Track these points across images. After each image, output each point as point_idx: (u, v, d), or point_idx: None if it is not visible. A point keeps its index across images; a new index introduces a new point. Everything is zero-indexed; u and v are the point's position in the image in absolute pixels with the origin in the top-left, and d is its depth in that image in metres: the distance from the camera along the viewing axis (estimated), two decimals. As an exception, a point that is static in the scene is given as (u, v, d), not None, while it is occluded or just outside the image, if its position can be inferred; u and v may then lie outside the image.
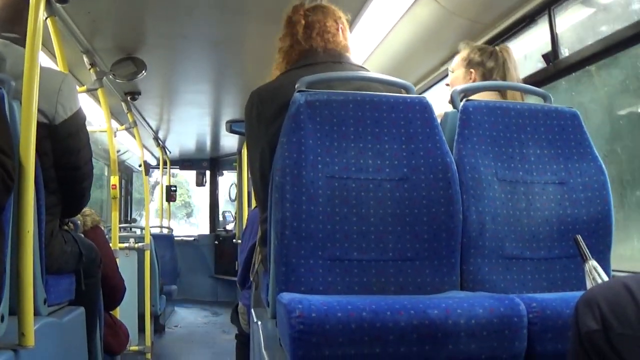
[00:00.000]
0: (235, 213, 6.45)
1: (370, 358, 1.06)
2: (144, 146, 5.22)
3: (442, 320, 1.07)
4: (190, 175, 8.32)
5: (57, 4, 2.22)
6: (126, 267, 3.45)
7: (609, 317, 0.82)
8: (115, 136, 3.44)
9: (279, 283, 1.28)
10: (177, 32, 2.84)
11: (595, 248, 1.39)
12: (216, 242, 7.09)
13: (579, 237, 1.15)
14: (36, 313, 1.35)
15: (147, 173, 6.54)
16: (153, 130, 5.48)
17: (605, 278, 1.10)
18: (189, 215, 19.40)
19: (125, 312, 3.11)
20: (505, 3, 2.17)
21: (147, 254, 4.00)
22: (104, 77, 3.07)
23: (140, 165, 6.10)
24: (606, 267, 1.41)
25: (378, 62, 2.85)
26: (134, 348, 3.73)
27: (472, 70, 1.92)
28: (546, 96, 1.58)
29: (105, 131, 3.27)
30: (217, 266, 7.02)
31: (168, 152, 6.77)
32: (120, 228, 3.63)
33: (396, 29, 2.53)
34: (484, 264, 1.38)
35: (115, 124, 3.90)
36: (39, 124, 1.39)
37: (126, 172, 7.07)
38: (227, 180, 7.71)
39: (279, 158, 1.32)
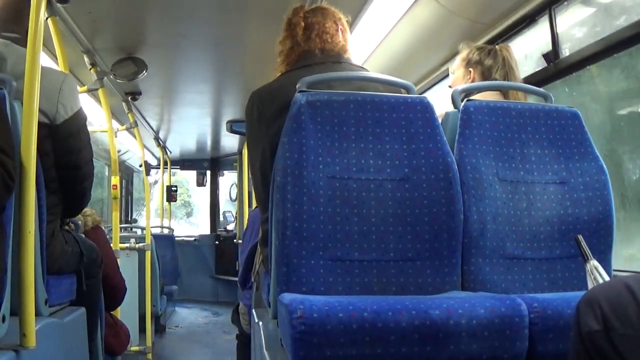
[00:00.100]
0: (236, 213, 6.45)
1: (372, 358, 1.06)
2: (144, 146, 5.22)
3: (444, 321, 1.07)
4: (191, 174, 8.31)
5: (58, 4, 2.22)
6: (127, 268, 3.45)
7: (610, 317, 0.82)
8: (115, 136, 3.44)
9: (280, 283, 1.28)
10: (178, 32, 2.84)
11: (596, 248, 1.39)
12: (217, 242, 7.09)
13: (580, 237, 1.15)
14: (37, 313, 1.35)
15: (148, 173, 6.55)
16: (154, 130, 5.48)
17: (607, 278, 1.10)
18: (188, 214, 19.39)
19: (126, 313, 3.11)
20: (506, 3, 2.17)
21: (148, 254, 4.01)
22: (105, 77, 3.07)
23: (140, 165, 6.10)
24: (607, 267, 1.41)
25: (378, 62, 2.85)
26: (134, 348, 3.73)
27: (470, 69, 1.92)
28: (547, 96, 1.58)
29: (106, 131, 3.27)
30: (217, 266, 7.02)
31: (169, 152, 6.77)
32: (121, 228, 3.64)
33: (396, 29, 2.53)
34: (485, 264, 1.38)
35: (115, 124, 3.90)
36: (39, 124, 1.39)
37: (127, 172, 7.07)
38: (228, 180, 7.72)
39: (280, 158, 1.32)
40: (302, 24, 1.66)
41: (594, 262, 1.11)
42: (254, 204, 3.53)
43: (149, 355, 3.95)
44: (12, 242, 1.27)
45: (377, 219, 1.34)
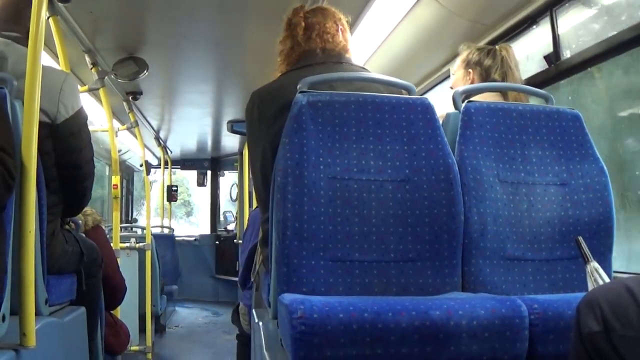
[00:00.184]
0: (236, 213, 6.45)
1: (372, 359, 1.05)
2: (145, 146, 5.22)
3: (444, 322, 1.07)
4: (191, 174, 8.31)
5: (59, 4, 2.22)
6: (127, 267, 3.45)
7: (611, 319, 0.82)
8: (116, 136, 3.45)
9: (281, 284, 1.28)
10: (179, 32, 2.84)
11: (596, 249, 1.39)
12: (217, 242, 7.09)
13: (581, 239, 1.15)
14: (37, 313, 1.35)
15: (149, 173, 6.55)
16: (154, 130, 5.49)
17: (607, 279, 1.10)
18: (188, 214, 19.40)
19: (126, 312, 3.11)
20: (507, 4, 2.17)
21: (148, 253, 4.01)
22: (106, 77, 3.07)
23: (141, 165, 6.10)
24: (607, 269, 1.41)
25: (379, 63, 2.85)
26: (134, 348, 3.73)
27: (470, 70, 1.92)
28: (548, 97, 1.58)
29: (107, 131, 3.28)
30: (218, 266, 7.02)
31: (169, 152, 6.77)
32: (121, 228, 3.64)
33: (397, 30, 2.53)
34: (486, 265, 1.38)
35: (116, 124, 3.90)
36: (40, 123, 1.38)
37: (127, 172, 7.07)
38: (228, 180, 7.72)
39: (281, 158, 1.32)
40: (303, 24, 1.66)
41: (594, 264, 1.11)
42: (255, 204, 3.53)
43: (149, 355, 3.95)
44: (13, 242, 1.27)
45: (377, 220, 1.34)
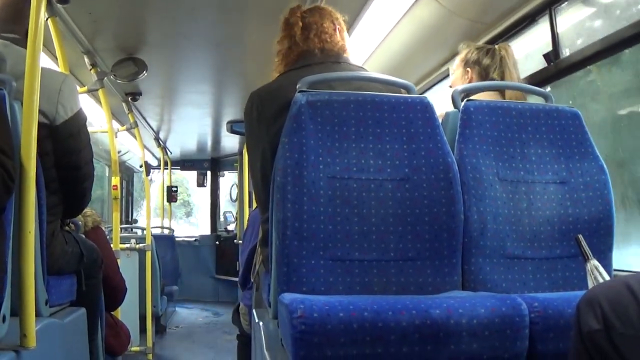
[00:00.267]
0: (236, 213, 6.45)
1: (372, 358, 1.06)
2: (144, 146, 5.22)
3: (444, 320, 1.07)
4: (191, 175, 8.31)
5: (58, 5, 2.22)
6: (127, 268, 3.45)
7: (611, 317, 0.82)
8: (116, 137, 3.45)
9: (281, 283, 1.28)
10: (178, 32, 2.84)
11: (596, 248, 1.39)
12: (217, 242, 7.09)
13: (581, 237, 1.15)
14: (37, 314, 1.35)
15: (148, 173, 6.54)
16: (154, 131, 5.49)
17: (607, 277, 1.10)
18: (188, 214, 19.38)
19: (126, 313, 3.11)
20: (506, 3, 2.17)
21: (148, 254, 4.01)
22: (105, 78, 3.07)
23: (141, 166, 6.10)
24: (607, 267, 1.41)
25: (379, 62, 2.85)
26: (135, 349, 3.73)
27: (468, 69, 1.93)
28: (547, 96, 1.58)
29: (106, 132, 3.27)
30: (218, 267, 7.02)
31: (169, 153, 6.77)
32: (121, 229, 3.64)
33: (397, 29, 2.53)
34: (486, 263, 1.38)
35: (116, 125, 3.90)
36: (39, 125, 1.39)
37: (127, 173, 7.07)
38: (228, 180, 7.72)
39: (280, 158, 1.32)
40: (300, 23, 1.66)
41: (594, 262, 1.11)
42: (254, 205, 3.53)
43: (150, 356, 3.95)
44: (13, 243, 1.27)
45: (377, 219, 1.34)
